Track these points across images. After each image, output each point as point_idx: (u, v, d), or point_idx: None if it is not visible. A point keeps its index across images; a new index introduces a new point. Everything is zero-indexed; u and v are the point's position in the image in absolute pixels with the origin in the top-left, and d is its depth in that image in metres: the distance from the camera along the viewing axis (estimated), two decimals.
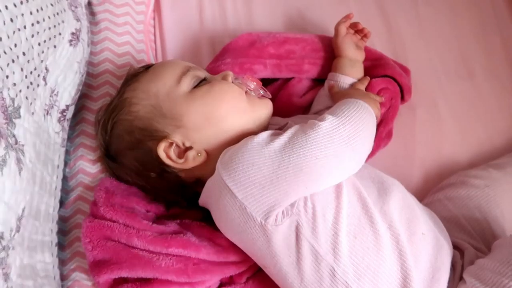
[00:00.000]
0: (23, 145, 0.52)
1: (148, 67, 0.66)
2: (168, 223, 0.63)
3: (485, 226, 0.66)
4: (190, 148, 0.60)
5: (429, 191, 0.78)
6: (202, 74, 0.64)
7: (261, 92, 0.64)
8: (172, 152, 0.59)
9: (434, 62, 0.89)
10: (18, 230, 0.50)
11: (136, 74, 0.65)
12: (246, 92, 0.63)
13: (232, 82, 0.63)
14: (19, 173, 0.49)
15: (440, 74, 0.87)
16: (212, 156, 0.59)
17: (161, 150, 0.59)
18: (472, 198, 0.69)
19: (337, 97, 0.71)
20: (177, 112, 0.59)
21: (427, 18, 0.93)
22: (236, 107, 0.61)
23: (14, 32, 0.50)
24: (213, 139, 0.59)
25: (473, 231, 0.66)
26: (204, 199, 0.61)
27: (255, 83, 0.64)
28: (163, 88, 0.61)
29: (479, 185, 0.70)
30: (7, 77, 0.49)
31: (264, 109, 0.63)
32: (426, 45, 0.90)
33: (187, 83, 0.61)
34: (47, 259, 0.58)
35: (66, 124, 0.67)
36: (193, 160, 0.59)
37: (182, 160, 0.59)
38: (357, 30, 0.79)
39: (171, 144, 0.59)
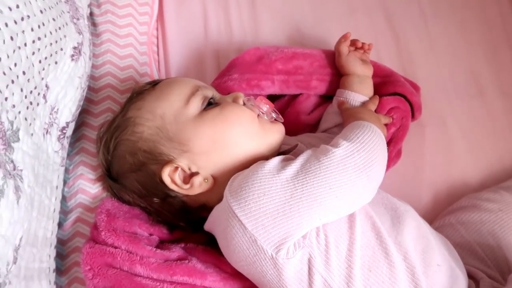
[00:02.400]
0: (21, 170, 0.49)
1: (154, 84, 0.63)
2: (172, 247, 0.60)
3: (499, 253, 0.64)
4: (196, 173, 0.57)
5: (438, 212, 0.76)
6: (212, 94, 0.61)
7: (274, 115, 0.62)
8: (177, 177, 0.56)
9: (443, 79, 0.87)
10: (15, 262, 0.47)
11: (142, 92, 0.62)
12: (258, 115, 0.60)
13: (244, 104, 0.60)
14: (17, 201, 0.46)
15: (449, 92, 0.86)
16: (220, 182, 0.57)
17: (166, 175, 0.56)
18: (485, 223, 0.67)
19: (347, 114, 0.69)
20: (184, 136, 0.57)
21: (436, 33, 0.91)
22: (247, 131, 0.58)
23: (14, 51, 0.47)
24: (221, 164, 0.57)
25: (487, 258, 0.64)
26: (210, 225, 0.58)
27: (267, 106, 0.61)
28: (170, 109, 0.58)
29: (492, 209, 0.68)
30: (6, 99, 0.46)
31: (276, 133, 0.60)
32: (435, 61, 0.88)
33: (195, 105, 0.58)
34: (44, 287, 0.55)
35: (65, 142, 0.64)
36: (199, 186, 0.57)
37: (187, 186, 0.56)
38: (357, 47, 0.77)
39: (176, 168, 0.56)
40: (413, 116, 0.78)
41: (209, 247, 0.62)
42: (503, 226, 0.66)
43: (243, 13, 0.92)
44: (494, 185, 0.76)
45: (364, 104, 0.72)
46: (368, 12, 0.93)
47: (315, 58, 0.79)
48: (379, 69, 0.79)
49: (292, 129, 0.75)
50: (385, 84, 0.78)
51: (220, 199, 0.54)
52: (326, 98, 0.80)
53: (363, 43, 0.76)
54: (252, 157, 0.57)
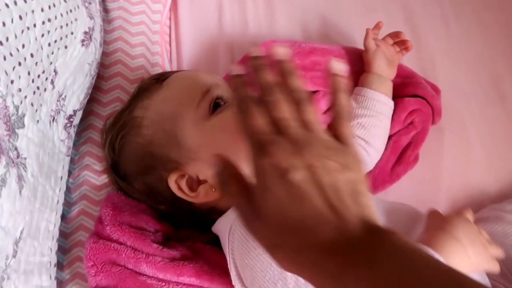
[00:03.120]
0: (25, 158, 0.46)
1: (162, 79, 0.58)
2: (178, 246, 0.58)
3: None
4: (204, 181, 0.54)
5: None
6: (224, 92, 0.55)
7: None
8: (184, 184, 0.54)
9: (463, 83, 0.84)
10: (14, 256, 0.44)
11: (149, 89, 0.58)
12: None
13: None
14: (20, 192, 0.43)
15: (469, 96, 0.83)
16: None
17: (173, 182, 0.53)
18: (508, 236, 0.64)
19: (439, 218, 0.51)
20: (193, 143, 0.53)
21: (457, 36, 0.88)
22: None
23: (22, 31, 0.44)
24: None
25: (509, 273, 0.61)
26: (217, 231, 0.56)
27: None
28: (178, 113, 0.54)
29: None
30: (12, 82, 0.43)
31: None
32: (456, 64, 0.85)
33: (206, 109, 0.53)
34: (45, 282, 0.52)
35: (72, 131, 0.62)
36: (205, 194, 0.53)
37: (194, 194, 0.54)
38: (399, 41, 0.74)
39: (183, 175, 0.54)
40: (432, 120, 0.76)
41: (216, 247, 0.59)
42: None
43: (259, 5, 0.89)
44: None
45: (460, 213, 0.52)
46: (388, 11, 0.90)
47: (333, 54, 0.76)
48: (400, 69, 0.76)
49: None
50: (406, 85, 0.75)
51: (228, 204, 0.51)
52: None
53: (406, 39, 0.73)
54: None
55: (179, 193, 0.54)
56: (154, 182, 0.56)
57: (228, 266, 0.50)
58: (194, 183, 0.54)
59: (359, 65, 0.77)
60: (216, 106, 0.54)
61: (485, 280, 0.56)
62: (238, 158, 0.52)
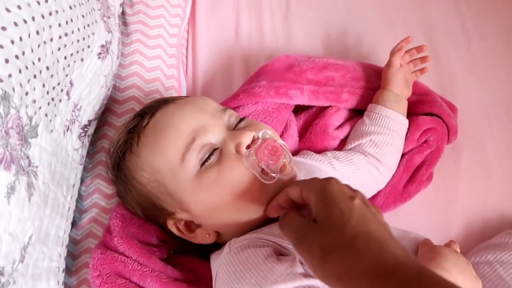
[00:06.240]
0: (37, 167, 0.48)
1: (148, 118, 0.56)
2: (183, 266, 0.59)
3: None
4: (199, 226, 0.56)
5: (470, 244, 0.70)
6: (212, 137, 0.53)
7: (277, 176, 0.51)
8: (183, 226, 0.56)
9: (484, 102, 0.82)
10: (22, 260, 0.45)
11: (138, 136, 0.56)
12: (262, 170, 0.51)
13: (247, 156, 0.51)
14: (29, 199, 0.45)
15: (490, 116, 0.80)
16: (224, 233, 0.55)
17: (171, 225, 0.56)
18: None
19: (430, 249, 0.53)
20: (182, 197, 0.54)
21: (479, 53, 0.86)
22: (249, 198, 0.52)
23: (39, 46, 0.46)
24: (223, 224, 0.55)
25: None
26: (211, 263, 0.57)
27: (273, 160, 0.51)
28: (166, 165, 0.53)
29: None
30: (26, 94, 0.45)
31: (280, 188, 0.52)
32: (477, 83, 0.83)
33: (191, 163, 0.52)
34: (52, 287, 0.54)
35: (86, 140, 0.63)
36: (201, 237, 0.56)
37: (192, 235, 0.56)
38: (420, 57, 0.74)
39: (180, 219, 0.56)
40: (448, 139, 0.74)
41: None
42: None
43: (277, 20, 0.90)
44: None
45: (448, 244, 0.55)
46: (408, 28, 0.89)
47: (348, 70, 0.76)
48: (415, 86, 0.75)
49: (319, 142, 0.72)
50: (421, 103, 0.74)
51: (227, 238, 0.53)
52: (357, 112, 0.76)
53: (427, 56, 0.74)
54: (256, 213, 0.54)
55: (177, 233, 0.56)
56: (155, 217, 0.58)
57: None
58: (193, 224, 0.56)
59: (375, 81, 0.76)
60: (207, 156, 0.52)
61: None
62: (225, 213, 0.53)
